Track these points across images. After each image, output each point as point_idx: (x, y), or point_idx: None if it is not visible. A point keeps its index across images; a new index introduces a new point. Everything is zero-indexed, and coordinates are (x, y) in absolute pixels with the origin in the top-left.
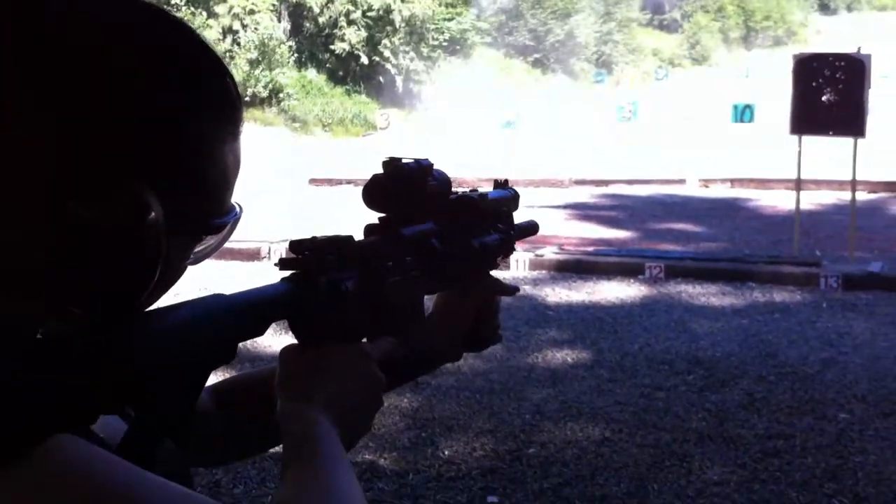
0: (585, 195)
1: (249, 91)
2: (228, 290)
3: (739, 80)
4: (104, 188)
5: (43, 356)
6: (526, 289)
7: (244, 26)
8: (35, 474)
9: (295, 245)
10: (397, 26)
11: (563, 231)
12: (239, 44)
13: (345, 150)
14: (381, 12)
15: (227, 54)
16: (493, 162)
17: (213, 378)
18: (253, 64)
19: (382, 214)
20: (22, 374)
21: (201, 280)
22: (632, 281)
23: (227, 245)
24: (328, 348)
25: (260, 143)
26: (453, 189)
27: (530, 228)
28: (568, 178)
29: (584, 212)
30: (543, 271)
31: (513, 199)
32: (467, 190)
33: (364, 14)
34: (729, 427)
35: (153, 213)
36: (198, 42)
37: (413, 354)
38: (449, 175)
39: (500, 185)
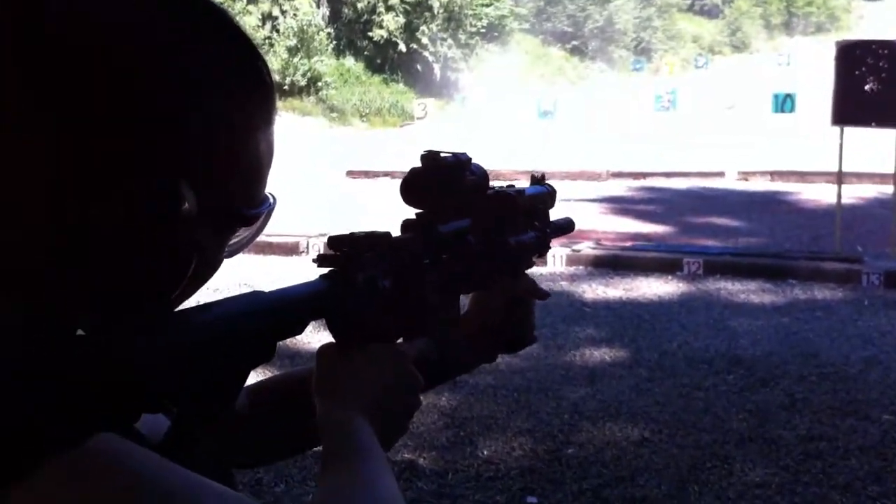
0: (622, 188)
1: (288, 79)
2: (268, 284)
3: (780, 68)
4: (136, 180)
5: (78, 355)
6: (563, 285)
7: (283, 12)
8: (80, 471)
9: (333, 241)
10: (435, 12)
11: (599, 225)
12: (278, 30)
13: (382, 140)
14: None
15: (267, 41)
16: (530, 153)
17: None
18: (292, 51)
19: (419, 210)
20: (60, 374)
21: (240, 275)
22: (670, 277)
23: (265, 239)
24: (366, 348)
25: (297, 133)
26: (490, 184)
27: (566, 226)
28: (605, 171)
29: (621, 205)
30: (580, 267)
31: (549, 196)
32: (504, 185)
33: (402, 0)
34: (770, 428)
35: (186, 205)
36: (230, 28)
37: (448, 355)
38: (487, 168)
39: (537, 180)
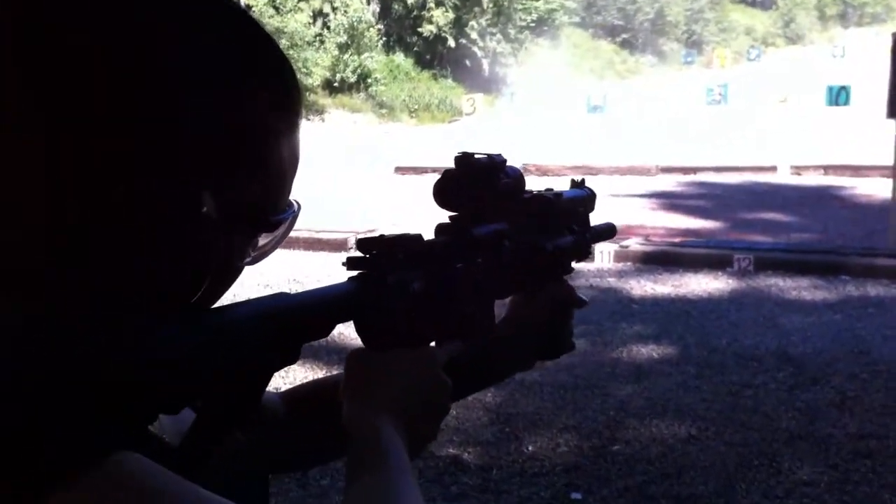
0: (672, 183)
1: (338, 76)
2: (316, 280)
3: (835, 60)
4: (153, 181)
5: (84, 356)
6: (610, 281)
7: (334, 9)
8: (96, 493)
9: (363, 243)
10: (484, 7)
11: (648, 221)
12: (328, 27)
13: (431, 136)
14: None
15: (317, 38)
16: (579, 148)
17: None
18: (342, 48)
19: (453, 213)
20: (64, 377)
21: (289, 271)
22: (719, 273)
23: (314, 235)
24: (394, 353)
25: (347, 129)
26: (527, 187)
27: (607, 231)
28: (654, 166)
29: (670, 201)
30: (628, 263)
31: (589, 200)
32: (543, 189)
33: None
34: (820, 426)
35: (205, 208)
36: (252, 31)
37: (482, 361)
38: (535, 163)
39: (577, 184)
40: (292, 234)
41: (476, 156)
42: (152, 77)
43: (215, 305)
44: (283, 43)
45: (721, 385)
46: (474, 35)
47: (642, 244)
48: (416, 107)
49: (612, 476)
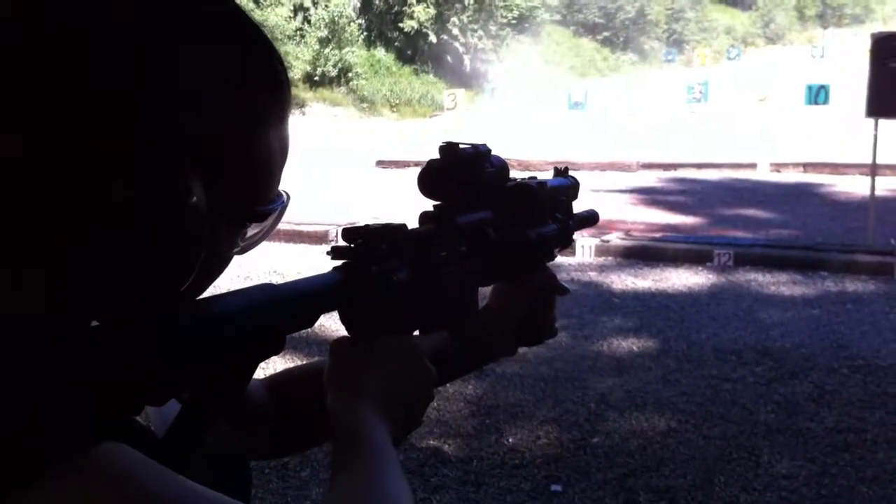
0: (653, 179)
1: (319, 70)
2: (296, 272)
3: (814, 60)
4: (146, 171)
5: (79, 350)
6: (591, 275)
7: (315, 3)
8: (81, 483)
9: (347, 233)
10: (466, 3)
11: (629, 216)
12: (309, 21)
13: (412, 131)
14: None
15: (298, 32)
16: (561, 144)
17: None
18: (323, 42)
19: (437, 202)
20: (59, 370)
21: (270, 263)
22: (700, 268)
23: (295, 228)
24: (378, 341)
25: (328, 123)
26: (511, 176)
27: (590, 218)
28: (635, 162)
29: (651, 196)
30: (609, 257)
31: (572, 188)
32: (526, 177)
33: None
34: (798, 420)
35: (194, 198)
36: (241, 24)
37: (466, 348)
38: (516, 158)
39: (560, 172)
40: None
41: (461, 145)
42: (149, 74)
43: (203, 296)
44: None
45: (700, 378)
46: (455, 31)
47: (623, 239)
48: (398, 101)
49: (592, 468)
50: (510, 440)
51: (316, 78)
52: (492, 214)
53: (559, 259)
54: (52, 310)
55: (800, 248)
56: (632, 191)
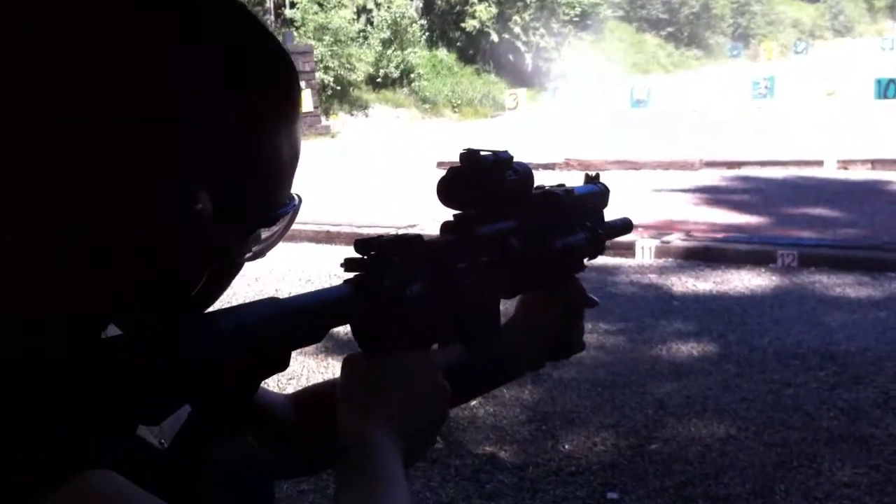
0: (716, 178)
1: (381, 71)
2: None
3: (884, 53)
4: (146, 172)
5: (74, 368)
6: (651, 277)
7: (377, 5)
8: None
9: (360, 244)
10: (528, 2)
11: (691, 216)
12: (372, 23)
13: (474, 131)
14: None
15: (361, 34)
16: (623, 142)
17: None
18: (385, 43)
19: (458, 211)
20: (53, 390)
21: (330, 266)
22: (763, 270)
23: (356, 231)
24: (391, 357)
25: (390, 124)
26: (539, 184)
27: (622, 227)
28: (698, 160)
29: (714, 196)
30: (670, 259)
31: (601, 196)
32: (554, 185)
33: None
34: (862, 426)
35: (200, 205)
36: (249, 25)
37: (487, 362)
38: (577, 157)
39: (591, 179)
40: (332, 229)
41: (482, 153)
42: (150, 75)
43: (214, 305)
44: (328, 39)
45: (761, 384)
46: (517, 30)
47: (684, 240)
48: (459, 102)
49: (650, 476)
50: (566, 446)
51: (378, 79)
52: (515, 224)
53: (619, 260)
54: (51, 310)
55: (867, 248)
56: (694, 190)
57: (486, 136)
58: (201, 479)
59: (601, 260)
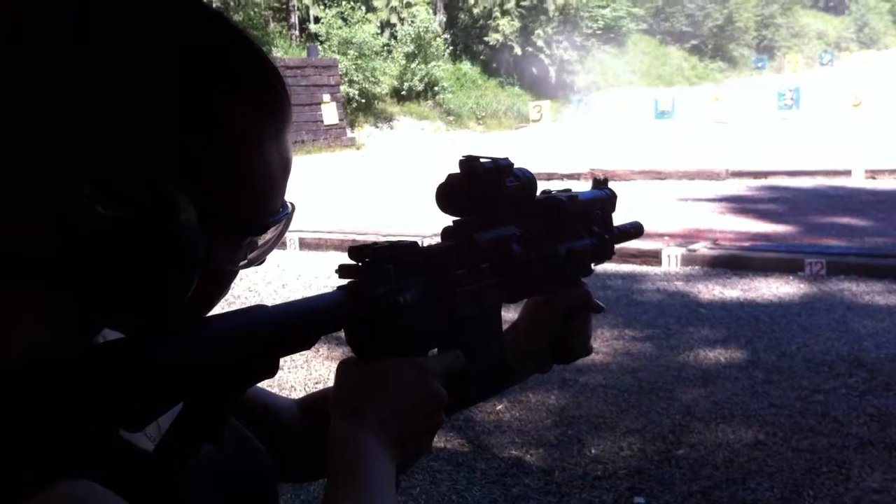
0: (742, 187)
1: (406, 85)
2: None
3: None
4: (128, 188)
5: (57, 377)
6: (678, 285)
7: (401, 20)
8: None
9: (354, 251)
10: (551, 15)
11: (717, 225)
12: (396, 37)
13: (498, 143)
14: (534, 1)
15: (385, 48)
16: (647, 153)
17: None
18: (409, 57)
19: (457, 218)
20: (35, 401)
21: None
22: (790, 278)
23: (381, 239)
24: (384, 364)
25: (415, 136)
26: (545, 188)
27: (632, 231)
28: (724, 170)
29: (740, 205)
30: (696, 267)
31: (608, 201)
32: (560, 189)
33: (518, 4)
34: (892, 433)
35: (184, 215)
36: (234, 37)
37: (487, 367)
38: (602, 168)
39: (599, 183)
40: (358, 237)
41: (481, 159)
42: (135, 87)
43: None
44: (352, 53)
45: (790, 390)
46: (541, 43)
47: (710, 248)
48: (483, 114)
49: (677, 481)
50: (593, 451)
51: (403, 92)
52: (516, 230)
53: (645, 268)
54: (37, 321)
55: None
56: (721, 199)
57: (511, 148)
58: (186, 483)
59: (627, 267)
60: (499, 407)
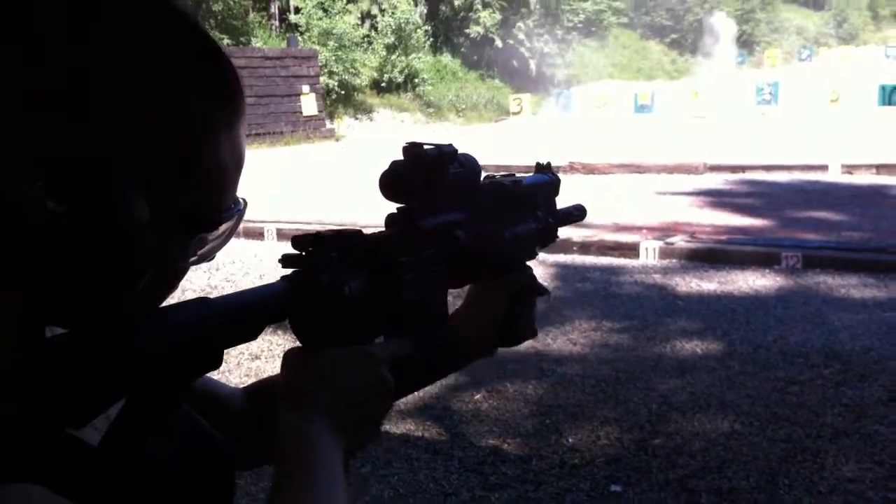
0: (720, 182)
1: (385, 76)
2: None
3: (888, 61)
4: (80, 183)
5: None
6: (655, 277)
7: (382, 11)
8: None
9: (298, 241)
10: (532, 8)
11: (695, 219)
12: (376, 28)
13: (478, 135)
14: None
15: (365, 39)
16: (627, 147)
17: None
18: (389, 49)
19: (401, 205)
20: None
21: None
22: (767, 271)
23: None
24: (330, 352)
25: (394, 128)
26: (489, 174)
27: (576, 214)
28: (702, 164)
29: (718, 199)
30: (674, 260)
31: (552, 185)
32: (502, 175)
33: None
34: (866, 423)
35: (136, 210)
36: (187, 28)
37: (434, 353)
38: (581, 161)
39: (542, 168)
40: (337, 229)
41: (425, 146)
42: (79, 79)
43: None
44: (332, 44)
45: (766, 381)
46: (521, 36)
47: (688, 241)
48: (464, 106)
49: (653, 469)
50: (570, 440)
51: (383, 84)
52: (461, 215)
53: (623, 261)
54: None
55: (871, 250)
56: (698, 193)
57: (490, 141)
58: (135, 475)
59: (606, 260)
60: (477, 396)
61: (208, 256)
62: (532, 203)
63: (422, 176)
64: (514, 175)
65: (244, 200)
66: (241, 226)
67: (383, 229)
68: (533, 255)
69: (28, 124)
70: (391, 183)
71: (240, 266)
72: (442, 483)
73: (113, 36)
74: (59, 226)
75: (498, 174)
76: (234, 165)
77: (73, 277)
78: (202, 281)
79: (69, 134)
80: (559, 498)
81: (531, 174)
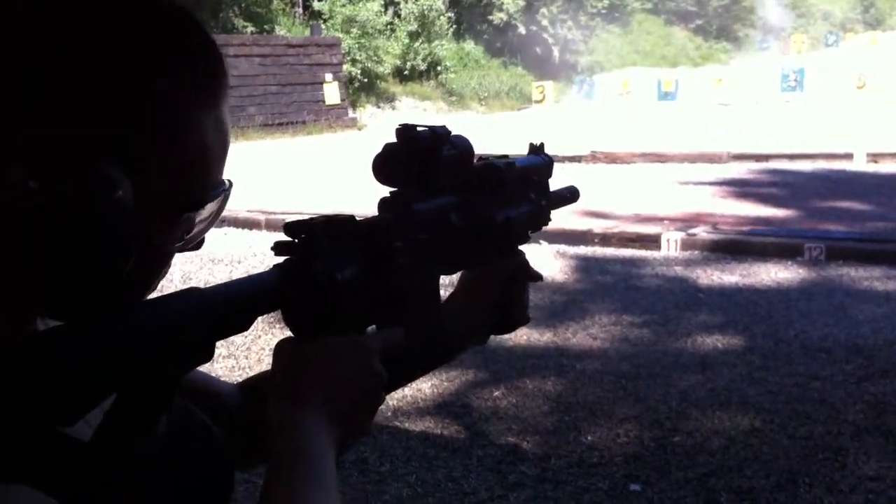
0: (743, 171)
1: (408, 64)
2: None
3: None
4: (62, 165)
5: None
6: (676, 270)
7: None
8: None
9: (290, 227)
10: None
11: (717, 209)
12: (399, 15)
13: (500, 124)
14: None
15: (389, 27)
16: (650, 135)
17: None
18: (412, 36)
19: (394, 189)
20: None
21: None
22: (790, 263)
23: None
24: (322, 342)
25: (416, 116)
26: (482, 155)
27: (568, 196)
28: (726, 153)
29: (741, 188)
30: (695, 251)
31: (545, 167)
32: (495, 156)
33: None
34: (889, 420)
35: (120, 192)
36: (166, 7)
37: (428, 341)
38: (604, 150)
39: (535, 150)
40: (359, 218)
41: (418, 128)
42: (58, 61)
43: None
44: (355, 31)
45: (787, 377)
46: (545, 22)
47: (710, 232)
48: (486, 94)
49: (673, 468)
50: (589, 438)
51: (406, 72)
52: (454, 199)
53: (644, 252)
54: None
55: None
56: (721, 183)
57: (513, 129)
58: (127, 470)
59: (626, 252)
60: (496, 393)
61: (195, 240)
62: (525, 185)
63: (416, 158)
64: (507, 156)
65: (229, 182)
66: (262, 217)
67: (376, 213)
68: (526, 239)
69: (13, 109)
70: (384, 166)
71: (261, 259)
72: (460, 482)
73: (86, 16)
74: (43, 208)
75: (491, 155)
76: (220, 144)
77: (57, 261)
78: (223, 275)
79: (53, 116)
80: (578, 497)
81: (527, 154)
